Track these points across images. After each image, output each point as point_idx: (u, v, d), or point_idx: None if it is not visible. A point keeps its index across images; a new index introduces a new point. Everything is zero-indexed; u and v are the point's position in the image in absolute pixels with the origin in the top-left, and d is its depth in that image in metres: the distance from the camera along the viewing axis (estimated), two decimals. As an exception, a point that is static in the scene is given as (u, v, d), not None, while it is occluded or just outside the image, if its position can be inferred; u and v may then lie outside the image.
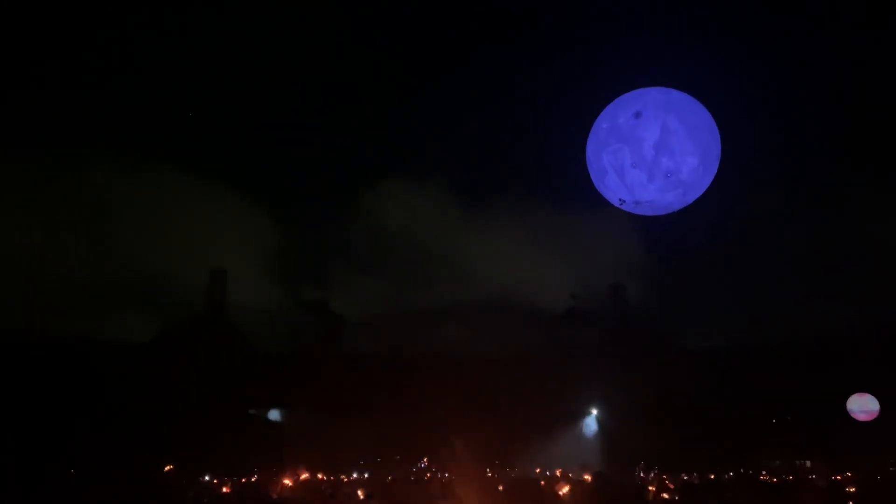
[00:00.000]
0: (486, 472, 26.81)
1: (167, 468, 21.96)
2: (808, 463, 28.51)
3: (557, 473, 27.19)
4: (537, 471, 29.33)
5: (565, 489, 20.79)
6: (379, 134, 47.27)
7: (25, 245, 34.11)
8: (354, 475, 26.16)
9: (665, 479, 23.82)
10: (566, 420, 33.87)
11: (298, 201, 44.24)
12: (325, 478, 24.11)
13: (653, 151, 5.14)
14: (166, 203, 40.65)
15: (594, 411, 34.60)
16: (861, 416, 20.54)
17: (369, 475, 27.58)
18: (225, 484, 21.21)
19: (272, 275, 44.70)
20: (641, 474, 24.45)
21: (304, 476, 20.26)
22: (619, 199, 5.47)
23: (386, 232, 44.96)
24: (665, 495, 18.79)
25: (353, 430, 27.98)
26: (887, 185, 34.17)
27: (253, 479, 20.92)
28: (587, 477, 24.21)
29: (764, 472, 27.13)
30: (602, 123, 5.59)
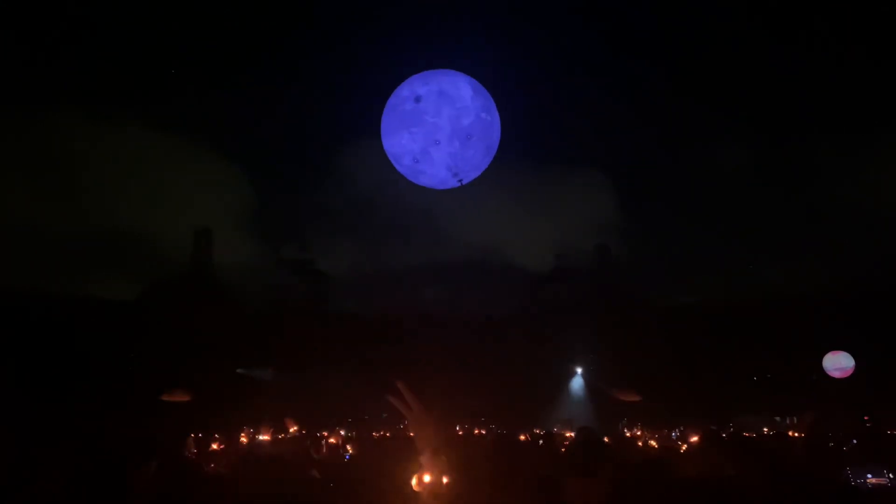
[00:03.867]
0: (476, 431, 27.27)
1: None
2: (788, 420, 29.26)
3: (540, 432, 27.59)
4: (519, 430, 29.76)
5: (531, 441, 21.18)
6: (351, 91, 46.60)
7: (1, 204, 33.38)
8: (342, 432, 26.38)
9: (649, 436, 24.35)
10: (551, 379, 34.34)
11: (277, 161, 43.70)
12: (316, 434, 24.41)
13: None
14: (143, 161, 39.91)
15: (579, 370, 35.12)
16: (836, 374, 21.10)
17: (356, 432, 27.86)
18: (214, 441, 21.19)
19: (254, 235, 44.43)
20: (626, 430, 24.96)
21: (294, 429, 20.38)
22: (458, 181, 5.51)
23: (364, 192, 44.57)
24: (652, 443, 19.28)
25: (341, 388, 28.21)
26: (858, 143, 34.57)
27: (244, 437, 21.04)
28: (568, 434, 24.57)
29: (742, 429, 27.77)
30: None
